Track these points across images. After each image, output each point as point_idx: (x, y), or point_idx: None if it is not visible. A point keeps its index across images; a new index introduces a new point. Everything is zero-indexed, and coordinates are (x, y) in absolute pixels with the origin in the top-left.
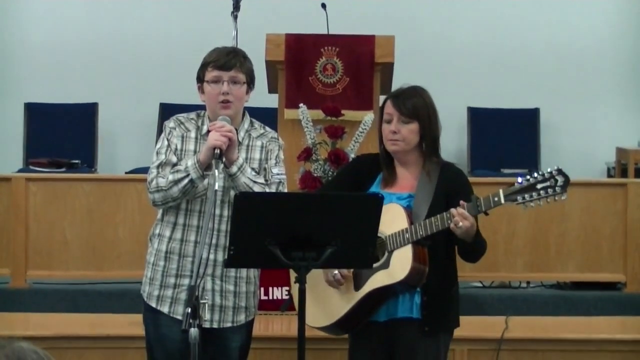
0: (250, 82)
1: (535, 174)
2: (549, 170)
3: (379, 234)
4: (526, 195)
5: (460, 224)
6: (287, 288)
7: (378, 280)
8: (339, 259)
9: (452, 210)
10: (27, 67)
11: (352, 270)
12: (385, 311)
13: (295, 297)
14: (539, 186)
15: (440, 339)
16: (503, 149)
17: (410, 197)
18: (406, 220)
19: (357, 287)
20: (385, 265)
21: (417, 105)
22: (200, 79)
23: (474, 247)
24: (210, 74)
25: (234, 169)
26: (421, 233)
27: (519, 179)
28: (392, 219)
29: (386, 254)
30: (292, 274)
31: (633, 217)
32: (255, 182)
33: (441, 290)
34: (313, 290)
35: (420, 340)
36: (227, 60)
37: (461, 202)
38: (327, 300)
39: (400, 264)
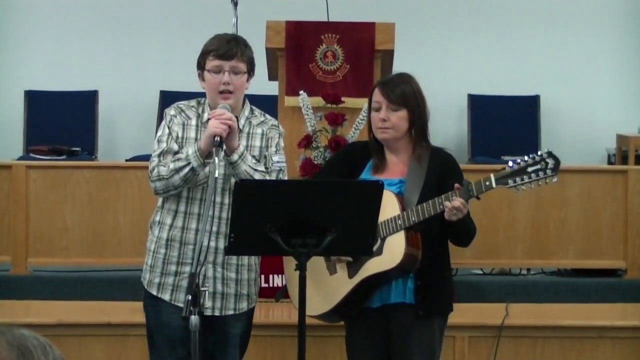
0: (251, 70)
1: (526, 157)
2: (539, 153)
3: None
4: (517, 179)
5: (457, 213)
6: None
7: (372, 267)
8: (339, 245)
9: (447, 203)
10: (27, 55)
11: None
12: (378, 297)
13: (290, 285)
14: (529, 169)
15: (435, 322)
16: (503, 136)
17: (400, 183)
18: (398, 206)
19: (351, 274)
20: (379, 252)
21: (405, 92)
22: (201, 66)
23: (463, 229)
24: (211, 63)
25: (235, 157)
26: (413, 219)
27: (510, 163)
28: (384, 206)
29: (379, 240)
30: (286, 262)
31: (633, 203)
32: (256, 170)
33: (434, 274)
34: (307, 278)
35: (415, 324)
36: (228, 49)
37: (455, 185)
38: (321, 288)
39: (393, 251)
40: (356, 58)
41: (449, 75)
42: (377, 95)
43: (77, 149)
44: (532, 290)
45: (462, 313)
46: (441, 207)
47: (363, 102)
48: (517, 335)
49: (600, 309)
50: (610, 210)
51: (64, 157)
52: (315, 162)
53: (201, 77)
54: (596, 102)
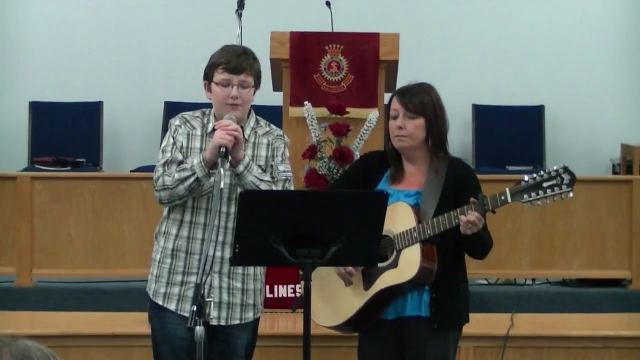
0: (258, 84)
1: (542, 172)
2: (555, 168)
3: (387, 233)
4: (532, 194)
5: (473, 227)
6: (293, 286)
7: (387, 279)
8: (344, 256)
9: (462, 217)
10: (31, 66)
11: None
12: (393, 309)
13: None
14: (545, 184)
15: (449, 335)
16: (508, 146)
17: (417, 194)
18: (414, 218)
19: (367, 286)
20: (394, 264)
21: (423, 101)
22: (209, 77)
23: (479, 242)
24: (220, 76)
25: (241, 168)
26: (429, 232)
27: (525, 177)
28: (400, 218)
29: (395, 252)
30: None
31: (638, 213)
32: (262, 180)
33: (450, 287)
34: (322, 290)
35: (429, 337)
36: (238, 63)
37: (471, 199)
38: (336, 300)
39: (408, 263)
40: (360, 69)
41: (453, 86)
42: (394, 104)
43: (81, 160)
44: (537, 300)
45: (467, 323)
46: (456, 220)
47: (367, 113)
48: (522, 345)
49: (605, 319)
50: (615, 221)
51: (68, 168)
52: (320, 173)
53: (207, 87)
54: (600, 112)
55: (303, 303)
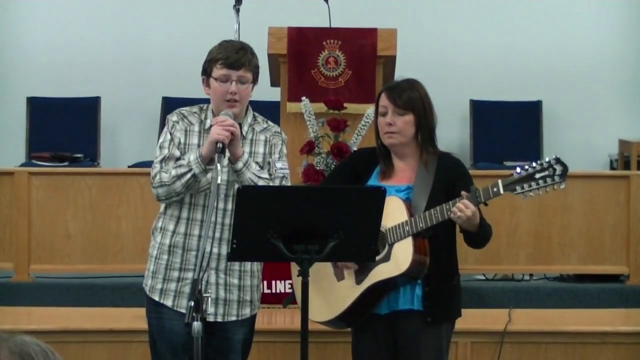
0: (256, 79)
1: (534, 164)
2: (547, 159)
3: None
4: (525, 185)
5: (459, 213)
6: (290, 282)
7: (379, 273)
8: (341, 252)
9: (454, 209)
10: (29, 61)
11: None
12: (386, 303)
13: (297, 291)
14: (537, 176)
15: (443, 329)
16: (506, 141)
17: (408, 189)
18: (405, 212)
19: (359, 280)
20: (386, 258)
21: (412, 97)
22: (207, 73)
23: (479, 235)
24: (219, 72)
25: (240, 164)
26: (421, 225)
27: (517, 169)
28: (392, 212)
29: (387, 246)
30: (294, 268)
31: (636, 209)
32: (260, 177)
33: (442, 281)
34: (315, 285)
35: (423, 331)
36: (237, 59)
37: (462, 192)
38: (328, 295)
39: (401, 257)
40: (358, 64)
41: (451, 81)
42: (383, 100)
43: (79, 155)
44: (534, 296)
45: (465, 319)
46: (449, 213)
47: (365, 108)
48: (520, 341)
49: (603, 315)
50: (612, 216)
51: (66, 163)
52: (318, 168)
53: (205, 83)
54: (598, 108)
55: (295, 299)
